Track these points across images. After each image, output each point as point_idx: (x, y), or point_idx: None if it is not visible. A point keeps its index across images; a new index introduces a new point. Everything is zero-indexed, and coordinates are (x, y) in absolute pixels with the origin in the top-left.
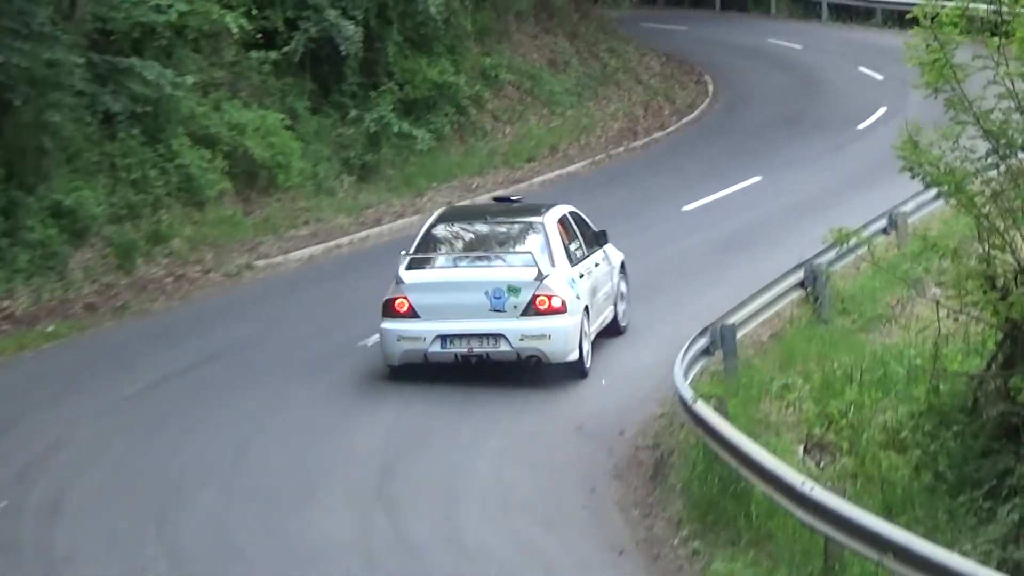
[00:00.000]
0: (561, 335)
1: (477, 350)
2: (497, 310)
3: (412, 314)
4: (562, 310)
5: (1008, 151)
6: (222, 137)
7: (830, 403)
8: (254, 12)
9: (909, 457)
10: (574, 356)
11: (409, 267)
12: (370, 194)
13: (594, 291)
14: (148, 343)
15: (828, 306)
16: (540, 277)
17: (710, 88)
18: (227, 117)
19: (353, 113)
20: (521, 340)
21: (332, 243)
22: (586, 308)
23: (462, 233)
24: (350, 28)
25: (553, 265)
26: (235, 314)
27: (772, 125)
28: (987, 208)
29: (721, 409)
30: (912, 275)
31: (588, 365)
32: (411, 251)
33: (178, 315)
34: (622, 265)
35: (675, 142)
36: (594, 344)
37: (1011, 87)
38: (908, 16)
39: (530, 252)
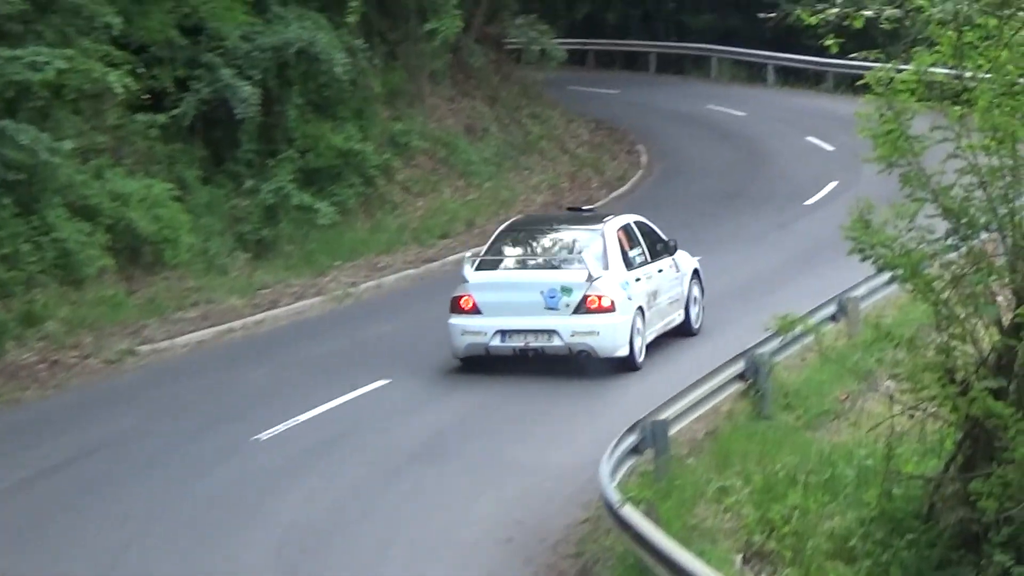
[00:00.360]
0: (610, 332)
1: (533, 344)
2: (551, 308)
3: (475, 311)
4: (611, 309)
5: (969, 232)
6: (103, 208)
7: (772, 508)
8: (140, 71)
9: (858, 568)
10: (623, 352)
11: (477, 268)
12: (266, 273)
13: (654, 294)
14: (17, 437)
15: (770, 401)
16: (591, 279)
17: (643, 158)
18: (109, 186)
19: (249, 183)
20: (572, 336)
21: (224, 327)
22: (640, 309)
23: (528, 238)
24: (246, 89)
25: (606, 268)
26: (116, 405)
27: (711, 200)
28: (946, 294)
29: (651, 514)
30: (863, 367)
31: (641, 360)
32: (480, 254)
33: (52, 405)
34: (695, 272)
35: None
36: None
37: (973, 161)
38: (860, 82)
39: (585, 255)
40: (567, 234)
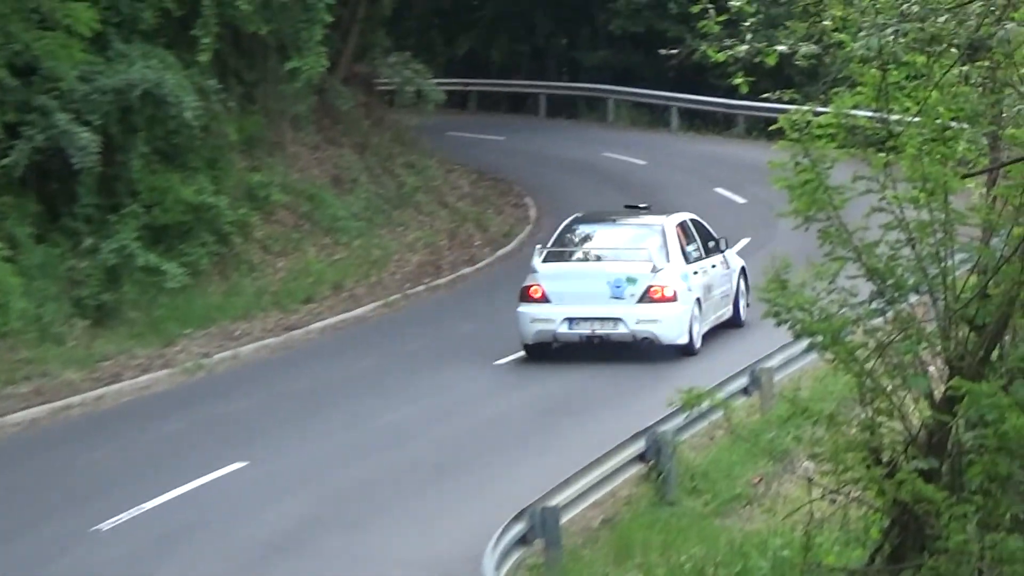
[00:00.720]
0: (672, 320)
1: (599, 332)
2: (617, 297)
3: (544, 299)
4: (673, 299)
5: (897, 294)
6: None
7: None
8: None
9: None
10: (683, 340)
11: (545, 260)
12: (108, 343)
13: (709, 288)
14: None
15: (675, 484)
16: (655, 270)
17: (532, 213)
18: None
19: (88, 242)
20: (636, 323)
21: (60, 403)
22: (698, 300)
23: (592, 232)
24: (85, 136)
25: (668, 261)
26: None
27: None
28: (871, 364)
29: None
30: (779, 446)
31: (698, 347)
32: (548, 246)
33: None
34: (743, 269)
35: (488, 279)
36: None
37: (900, 215)
38: (774, 126)
39: (647, 248)
40: (629, 228)
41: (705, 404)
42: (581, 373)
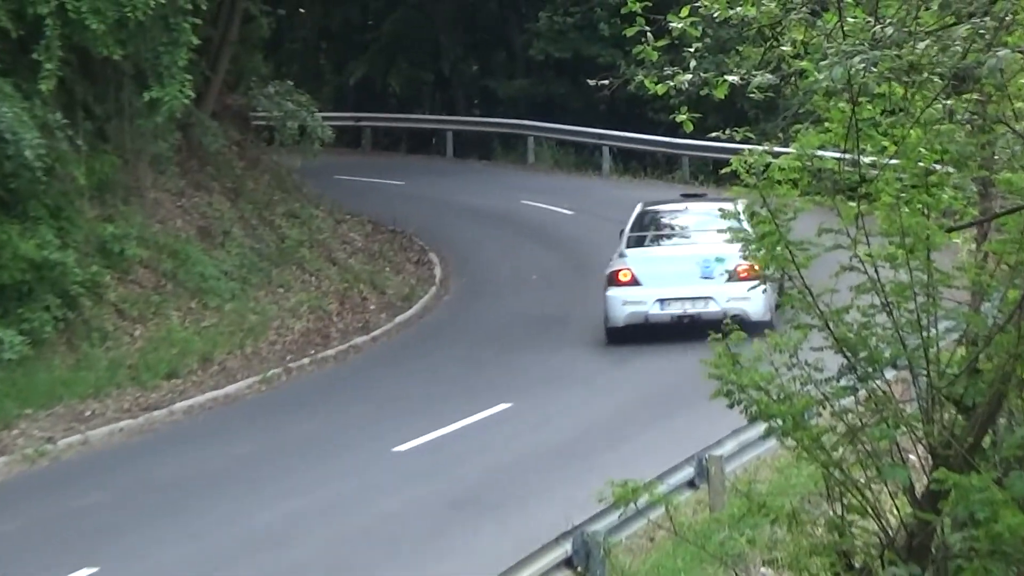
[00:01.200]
0: (759, 298)
1: (690, 311)
2: (707, 277)
3: (635, 282)
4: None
5: (870, 369)
6: None
7: None
8: None
9: None
10: (768, 316)
11: (630, 245)
12: None
13: None
14: None
15: None
16: (746, 250)
17: (437, 271)
18: None
19: None
20: (727, 301)
21: None
22: None
23: (668, 217)
24: None
25: None
26: None
27: (528, 327)
28: (840, 452)
29: None
30: (731, 549)
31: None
32: (628, 230)
33: None
34: None
35: (386, 351)
36: None
37: (875, 276)
38: (725, 169)
39: (746, 227)
40: (704, 211)
41: (643, 499)
42: (497, 457)
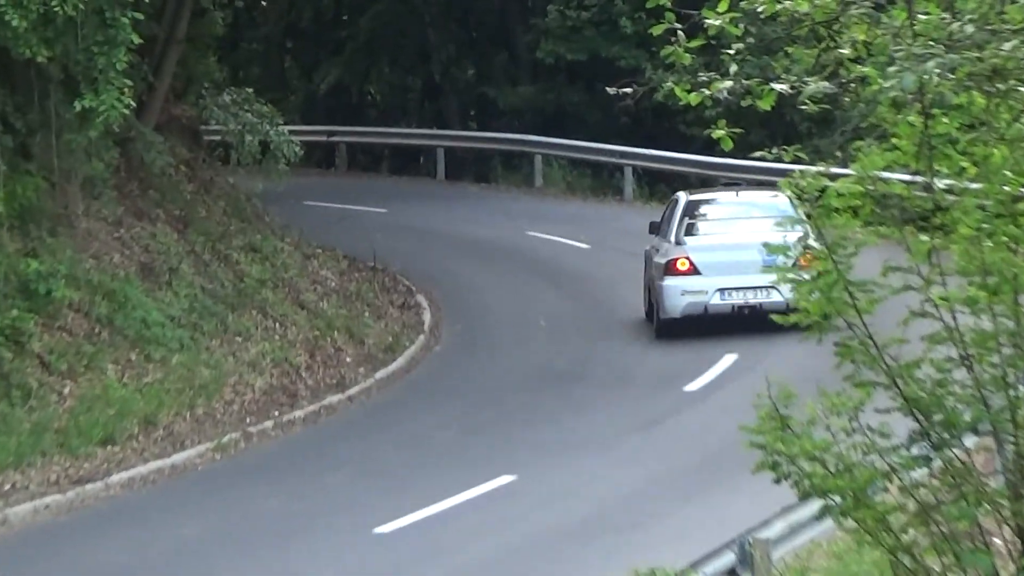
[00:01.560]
0: None
1: (752, 301)
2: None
3: (694, 271)
4: None
5: (947, 435)
6: None
7: None
8: None
9: None
10: None
11: (687, 232)
12: None
13: None
14: None
15: None
16: (805, 236)
17: (426, 317)
18: None
19: None
20: (791, 291)
21: None
22: None
23: (718, 206)
24: None
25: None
26: None
27: (536, 384)
28: (910, 534)
29: None
30: None
31: None
32: (677, 220)
33: None
34: None
35: (364, 412)
36: None
37: (952, 323)
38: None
39: (801, 216)
40: (754, 199)
41: None
42: (499, 540)
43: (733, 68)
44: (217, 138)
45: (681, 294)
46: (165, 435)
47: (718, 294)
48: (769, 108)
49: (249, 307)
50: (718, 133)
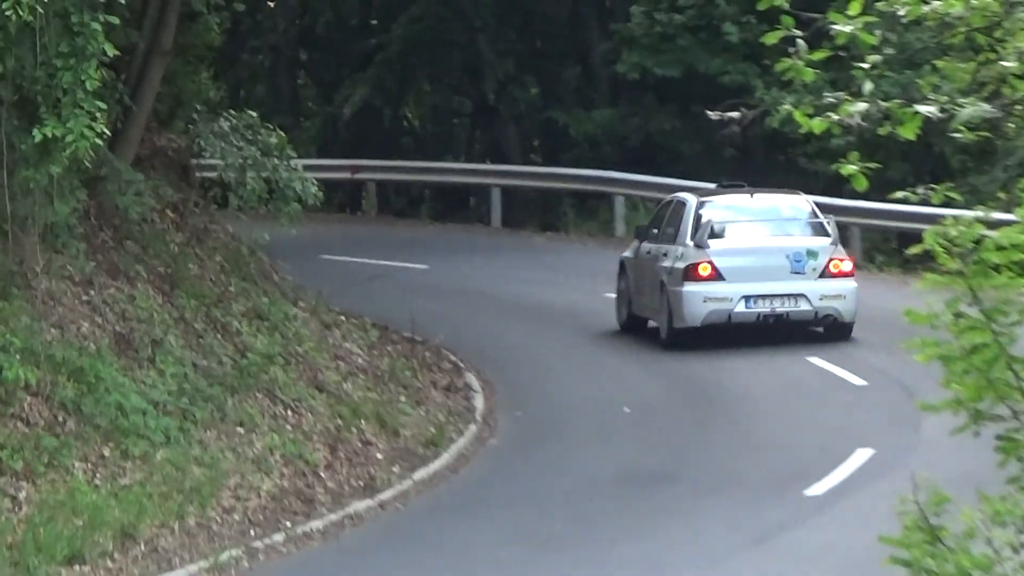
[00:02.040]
0: (852, 296)
1: (779, 309)
2: (797, 272)
3: (717, 277)
4: (851, 273)
5: None
6: None
7: None
8: None
9: None
10: (854, 318)
11: (710, 236)
12: None
13: None
14: None
15: None
16: (835, 242)
17: (478, 402)
18: None
19: None
20: (820, 299)
21: None
22: None
23: (734, 209)
24: None
25: (828, 234)
26: None
27: (619, 486)
28: None
29: None
30: None
31: None
32: (691, 223)
33: None
34: None
35: (400, 523)
36: None
37: None
38: (913, 248)
39: (821, 220)
40: (774, 202)
41: None
42: None
43: (868, 86)
44: (213, 175)
45: (703, 301)
46: (148, 551)
47: (743, 302)
48: (913, 137)
49: (253, 389)
50: (848, 169)
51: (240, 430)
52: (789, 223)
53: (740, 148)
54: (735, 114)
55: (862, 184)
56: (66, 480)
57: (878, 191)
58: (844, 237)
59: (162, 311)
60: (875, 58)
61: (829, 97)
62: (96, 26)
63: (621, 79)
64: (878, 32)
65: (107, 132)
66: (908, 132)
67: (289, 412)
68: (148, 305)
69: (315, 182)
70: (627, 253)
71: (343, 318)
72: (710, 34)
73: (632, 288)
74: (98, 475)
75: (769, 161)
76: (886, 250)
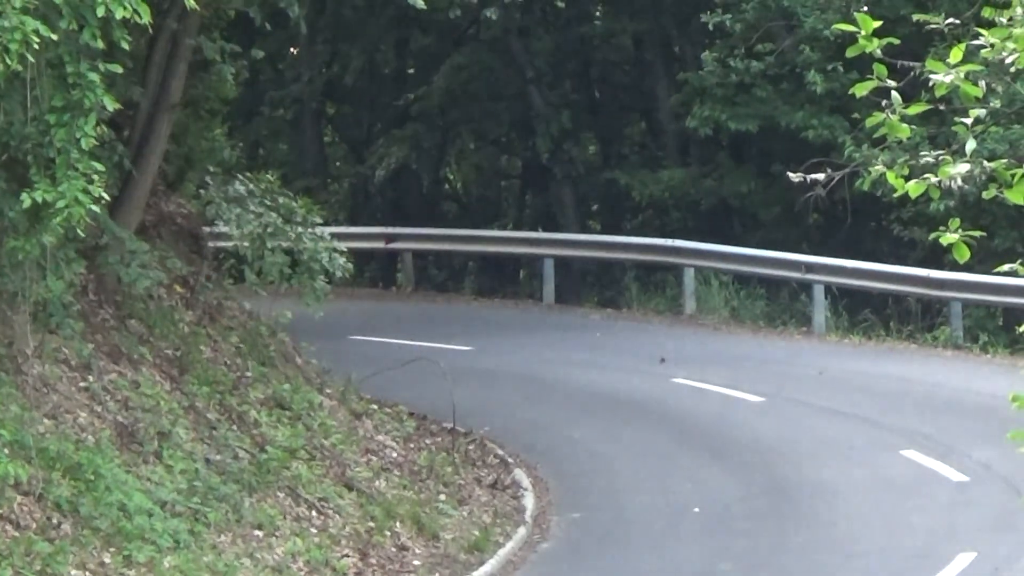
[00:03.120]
0: None
1: None
2: None
3: None
4: None
5: None
6: None
7: None
8: None
9: None
10: None
11: None
12: None
13: None
14: None
15: None
16: None
17: (528, 501)
18: None
19: None
20: None
21: None
22: None
23: None
24: None
25: None
26: None
27: None
28: None
29: None
30: None
31: None
32: None
33: None
34: None
35: None
36: None
37: None
38: (1021, 328)
39: None
40: None
41: None
42: None
43: (971, 144)
44: (228, 245)
45: None
46: None
47: None
48: (1022, 201)
49: (273, 488)
50: (949, 238)
51: (258, 533)
52: None
53: (825, 213)
54: (820, 176)
55: (964, 254)
56: None
57: (982, 262)
58: (941, 314)
59: (170, 399)
60: (979, 112)
61: (927, 156)
62: (94, 76)
63: (691, 135)
64: (982, 82)
65: (105, 196)
66: (1017, 196)
67: (314, 513)
68: (154, 392)
69: (344, 252)
70: None
71: (375, 407)
72: (792, 84)
73: None
74: None
75: (858, 228)
76: (991, 328)
